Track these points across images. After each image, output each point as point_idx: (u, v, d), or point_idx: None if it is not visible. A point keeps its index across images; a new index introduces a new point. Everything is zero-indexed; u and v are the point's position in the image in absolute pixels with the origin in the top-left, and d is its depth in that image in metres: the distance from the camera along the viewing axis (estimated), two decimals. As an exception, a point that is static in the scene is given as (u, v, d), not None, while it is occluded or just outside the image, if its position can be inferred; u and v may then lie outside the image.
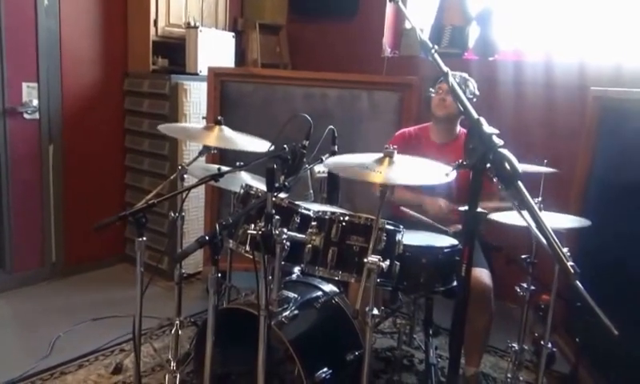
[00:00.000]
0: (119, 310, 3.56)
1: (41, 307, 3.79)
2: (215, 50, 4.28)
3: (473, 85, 3.08)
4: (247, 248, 2.30)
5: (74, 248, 4.32)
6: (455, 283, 2.41)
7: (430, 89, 3.17)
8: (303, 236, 2.27)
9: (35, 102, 3.96)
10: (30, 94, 3.94)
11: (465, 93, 2.97)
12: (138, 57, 4.33)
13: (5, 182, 3.92)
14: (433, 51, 1.68)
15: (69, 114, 4.17)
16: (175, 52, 4.30)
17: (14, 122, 3.90)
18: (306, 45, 5.05)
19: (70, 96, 4.17)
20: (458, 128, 3.18)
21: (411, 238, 2.41)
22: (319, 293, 2.58)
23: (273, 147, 2.24)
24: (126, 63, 4.42)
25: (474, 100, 3.02)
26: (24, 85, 3.92)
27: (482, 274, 2.74)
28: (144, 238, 2.20)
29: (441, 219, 2.87)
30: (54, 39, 4.02)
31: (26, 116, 3.94)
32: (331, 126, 2.48)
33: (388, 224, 2.23)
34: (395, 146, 2.23)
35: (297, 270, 2.50)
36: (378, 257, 2.03)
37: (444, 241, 2.54)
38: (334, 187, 2.60)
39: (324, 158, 2.46)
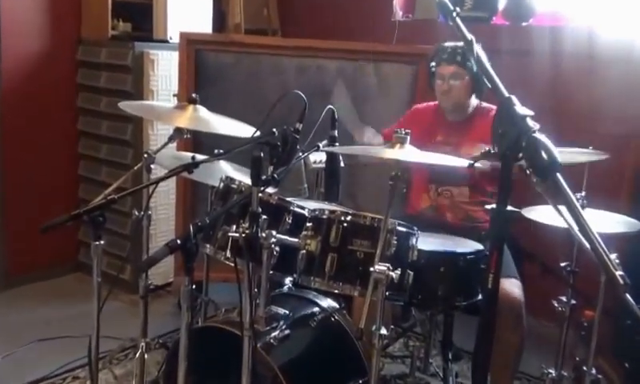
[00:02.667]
0: (72, 328, 3.55)
1: (-24, 326, 3.79)
2: (189, 12, 4.27)
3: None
4: (228, 254, 2.30)
5: (17, 254, 4.31)
6: (480, 296, 2.43)
7: (432, 64, 3.13)
8: (296, 240, 2.27)
9: (-32, 76, 3.95)
10: (-39, 66, 3.94)
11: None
12: (93, 20, 4.31)
13: None
14: (454, 15, 1.68)
15: (8, 91, 4.17)
16: (139, 14, 4.28)
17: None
18: (299, 6, 5.05)
19: (10, 69, 4.16)
20: (473, 101, 3.17)
21: (427, 242, 2.42)
22: (315, 309, 2.59)
23: (259, 131, 2.25)
24: (79, 28, 4.40)
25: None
26: (-46, 55, 3.92)
27: (512, 286, 2.75)
28: (102, 242, 2.20)
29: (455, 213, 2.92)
30: (-9, -1, 4.01)
31: (-43, 93, 3.95)
32: (330, 106, 2.48)
33: (399, 225, 2.24)
34: (408, 131, 2.24)
35: (288, 280, 2.51)
36: (387, 265, 2.04)
37: (466, 245, 2.55)
38: (333, 180, 2.61)
39: (321, 145, 2.46)
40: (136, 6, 4.28)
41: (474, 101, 3.17)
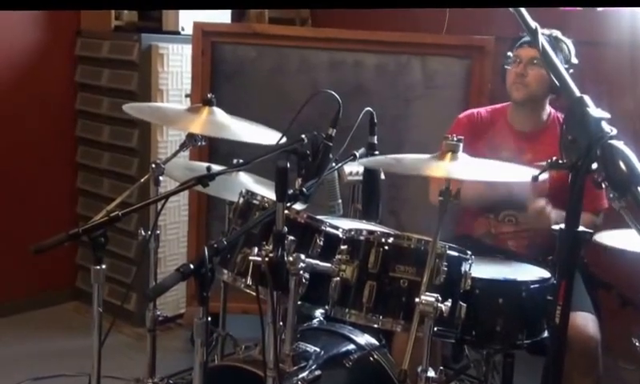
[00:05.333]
0: (69, 366, 3.58)
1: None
2: (204, -1, 4.31)
3: (568, 48, 3.07)
4: (248, 281, 2.31)
5: (5, 279, 4.34)
6: (546, 334, 2.41)
7: (509, 53, 3.15)
8: (328, 265, 2.27)
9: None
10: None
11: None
12: (95, 9, 4.36)
13: None
14: (516, 0, 1.68)
15: (-3, 90, 4.23)
16: (147, 2, 4.32)
17: None
18: (332, -9, 5.07)
19: (-1, 64, 4.22)
20: (549, 110, 3.17)
21: (483, 269, 2.41)
22: (351, 346, 2.58)
23: (285, 138, 2.25)
24: (78, 18, 4.44)
25: (571, 71, 3.01)
26: None
27: (586, 320, 2.73)
28: (103, 266, 2.22)
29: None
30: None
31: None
32: (368, 108, 2.48)
33: (450, 249, 2.23)
34: (460, 137, 2.23)
35: (319, 313, 2.50)
36: (436, 295, 2.03)
37: (530, 272, 2.53)
38: (372, 195, 2.61)
39: (358, 154, 2.46)
40: (143, -7, 4.32)
41: (548, 108, 3.15)
